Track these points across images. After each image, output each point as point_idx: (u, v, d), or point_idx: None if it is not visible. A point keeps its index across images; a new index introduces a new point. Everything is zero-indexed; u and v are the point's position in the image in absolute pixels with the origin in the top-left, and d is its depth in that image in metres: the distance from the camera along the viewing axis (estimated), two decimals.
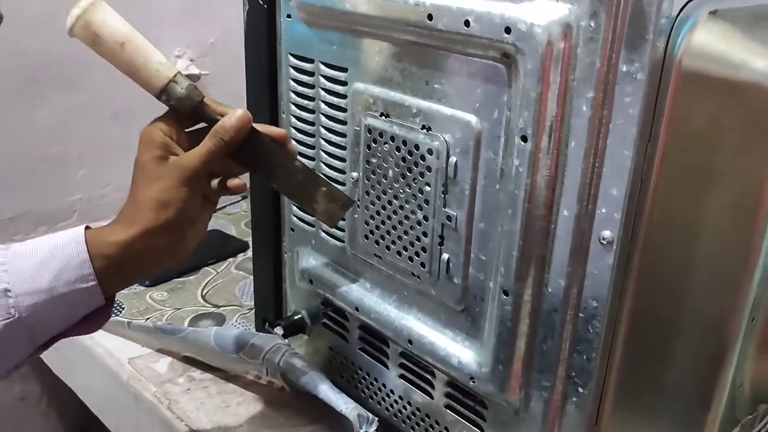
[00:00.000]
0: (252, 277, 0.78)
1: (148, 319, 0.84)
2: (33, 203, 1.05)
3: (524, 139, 0.45)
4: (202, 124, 0.55)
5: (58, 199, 1.07)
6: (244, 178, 0.58)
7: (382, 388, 0.65)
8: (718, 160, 0.43)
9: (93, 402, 0.87)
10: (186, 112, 0.53)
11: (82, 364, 0.84)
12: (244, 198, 1.22)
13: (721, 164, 0.43)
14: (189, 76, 1.15)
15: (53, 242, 0.50)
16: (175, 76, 0.53)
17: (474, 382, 0.54)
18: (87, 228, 0.50)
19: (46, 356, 0.95)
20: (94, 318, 0.52)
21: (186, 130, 0.54)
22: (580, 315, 0.47)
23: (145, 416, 0.74)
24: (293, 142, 0.64)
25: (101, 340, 0.82)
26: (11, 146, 1.01)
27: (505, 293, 0.50)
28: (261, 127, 0.54)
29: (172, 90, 0.53)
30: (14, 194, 1.03)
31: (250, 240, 0.94)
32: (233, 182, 0.56)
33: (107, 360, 0.79)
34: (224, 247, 1.06)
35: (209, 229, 1.12)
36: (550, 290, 0.48)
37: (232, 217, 1.19)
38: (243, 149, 0.53)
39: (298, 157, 0.56)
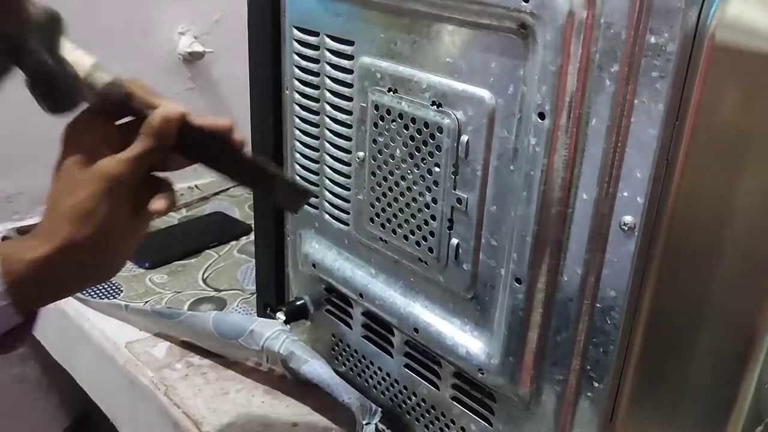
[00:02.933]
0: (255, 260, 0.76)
1: (147, 302, 0.82)
2: (31, 182, 1.02)
3: (542, 116, 0.42)
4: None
5: None
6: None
7: (386, 377, 0.63)
8: (752, 142, 0.40)
9: (90, 386, 0.85)
10: (111, 107, 0.47)
11: (79, 347, 0.82)
12: None
13: (756, 146, 0.40)
14: (192, 54, 1.13)
15: None
16: (93, 65, 0.47)
17: (483, 373, 0.51)
18: (4, 238, 0.45)
19: (44, 338, 0.93)
20: (13, 334, 0.46)
21: (116, 123, 0.48)
22: (598, 305, 0.44)
23: (142, 402, 0.72)
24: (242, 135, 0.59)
25: (98, 323, 0.79)
26: (9, 125, 0.98)
27: (518, 281, 0.47)
28: (200, 120, 0.47)
29: (91, 81, 0.46)
30: (13, 173, 1.01)
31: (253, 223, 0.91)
32: (155, 205, 0.47)
33: (104, 344, 0.77)
34: (227, 230, 1.03)
35: (212, 211, 1.11)
36: (565, 278, 0.45)
37: (236, 199, 1.17)
38: (182, 144, 0.47)
39: (247, 150, 0.50)
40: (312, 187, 0.63)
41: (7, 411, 1.10)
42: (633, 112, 0.39)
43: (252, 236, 1.03)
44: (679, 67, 0.38)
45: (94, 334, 0.79)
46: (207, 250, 0.97)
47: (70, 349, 0.86)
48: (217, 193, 1.18)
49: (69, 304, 0.83)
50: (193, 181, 1.21)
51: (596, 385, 0.46)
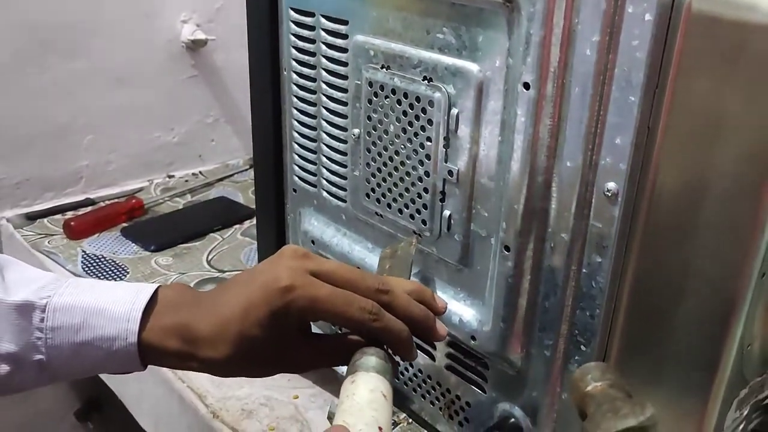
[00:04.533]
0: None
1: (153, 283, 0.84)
2: (40, 169, 1.05)
3: (527, 86, 0.44)
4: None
5: (65, 166, 1.07)
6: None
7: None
8: (730, 109, 0.41)
9: None
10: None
11: None
12: (252, 167, 1.21)
13: (733, 113, 0.41)
14: (195, 42, 1.15)
15: (108, 316, 0.43)
16: None
17: (475, 340, 0.53)
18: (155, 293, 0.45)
19: None
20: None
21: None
22: (584, 271, 0.45)
23: (148, 378, 0.74)
24: None
25: None
26: (18, 113, 1.00)
27: (507, 249, 0.48)
28: None
29: None
30: (22, 160, 1.03)
31: None
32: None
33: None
34: (231, 214, 1.05)
35: (216, 196, 1.13)
36: (552, 245, 0.46)
37: (240, 184, 1.19)
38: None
39: None
40: (310, 166, 0.65)
41: (18, 395, 1.12)
42: (614, 81, 0.41)
43: (254, 220, 1.05)
44: (658, 37, 0.39)
45: None
46: (211, 234, 0.99)
47: None
48: (220, 179, 1.20)
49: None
50: (197, 167, 1.23)
51: (584, 349, 0.47)
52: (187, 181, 1.18)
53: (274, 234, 0.73)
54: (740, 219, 0.42)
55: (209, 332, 0.43)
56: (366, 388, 0.41)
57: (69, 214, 1.02)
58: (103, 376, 0.87)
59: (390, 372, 0.43)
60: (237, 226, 1.03)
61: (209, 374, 0.45)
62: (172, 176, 1.19)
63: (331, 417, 0.61)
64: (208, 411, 0.66)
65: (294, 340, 0.45)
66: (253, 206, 1.06)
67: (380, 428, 0.38)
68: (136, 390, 0.79)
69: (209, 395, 0.67)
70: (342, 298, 0.43)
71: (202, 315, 0.44)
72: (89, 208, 1.05)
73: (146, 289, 0.45)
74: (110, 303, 0.43)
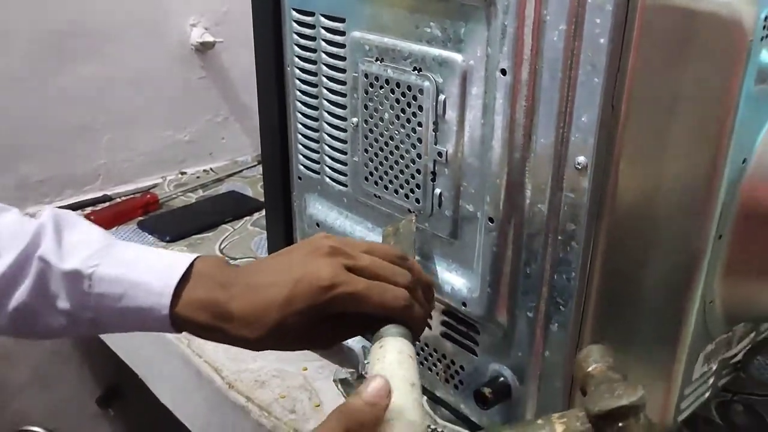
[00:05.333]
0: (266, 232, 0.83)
1: None
2: (61, 168, 1.11)
3: (504, 72, 0.49)
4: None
5: (84, 164, 1.13)
6: None
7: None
8: (684, 88, 0.45)
9: (121, 348, 0.93)
10: None
11: None
12: (259, 163, 1.27)
13: (686, 91, 0.45)
14: (204, 44, 1.20)
15: (147, 281, 0.48)
16: None
17: (466, 306, 0.58)
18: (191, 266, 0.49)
19: None
20: None
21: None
22: (560, 238, 0.50)
23: (168, 356, 0.79)
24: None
25: None
26: (41, 115, 1.06)
27: (491, 221, 0.53)
28: None
29: None
30: (43, 159, 1.09)
31: None
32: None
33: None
34: (241, 207, 1.11)
35: (226, 190, 1.18)
36: (531, 215, 0.51)
37: (249, 179, 1.24)
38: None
39: None
40: (314, 154, 0.71)
41: (43, 382, 1.19)
42: (580, 65, 0.46)
43: (263, 211, 1.10)
44: (617, 24, 0.44)
45: None
46: (223, 225, 1.05)
47: None
48: (230, 175, 1.26)
49: None
50: (208, 164, 1.29)
51: (563, 309, 0.52)
52: (198, 177, 1.24)
53: (282, 219, 0.78)
54: (696, 186, 0.47)
55: (245, 313, 0.48)
56: (394, 351, 0.46)
57: (88, 210, 1.08)
58: (122, 356, 0.93)
59: (411, 339, 0.48)
60: (247, 217, 1.08)
61: (234, 346, 0.50)
62: (185, 173, 1.25)
63: (336, 380, 0.67)
64: (224, 382, 0.71)
65: (324, 324, 0.50)
66: (262, 199, 1.12)
67: (412, 384, 0.43)
68: (155, 367, 0.84)
69: (225, 368, 0.73)
70: (377, 289, 0.48)
71: (238, 295, 0.48)
72: (107, 204, 1.11)
73: (182, 263, 0.49)
74: (147, 277, 0.48)
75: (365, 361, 0.68)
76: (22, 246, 0.49)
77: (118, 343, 0.94)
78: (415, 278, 0.51)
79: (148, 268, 0.49)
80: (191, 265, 0.49)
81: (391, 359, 0.45)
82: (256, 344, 0.48)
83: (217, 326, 0.48)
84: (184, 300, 0.48)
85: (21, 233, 0.49)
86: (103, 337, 0.97)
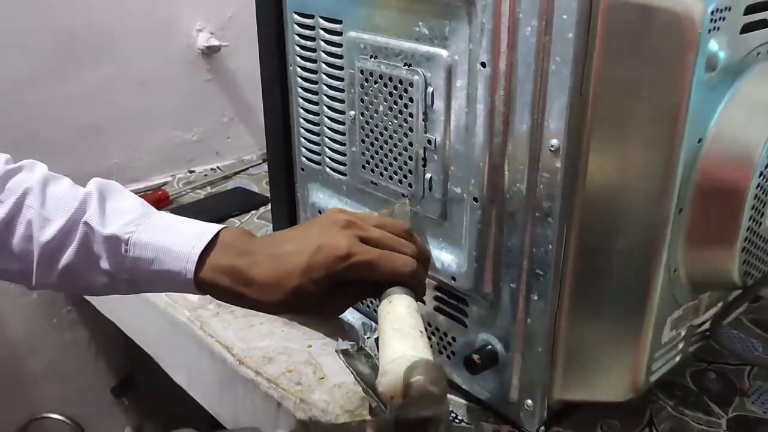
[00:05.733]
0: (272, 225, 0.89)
1: None
2: (75, 166, 1.15)
3: (483, 65, 0.54)
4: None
5: (98, 162, 1.19)
6: None
7: None
8: (643, 75, 0.51)
9: (135, 331, 0.98)
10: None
11: (126, 300, 0.95)
12: (264, 161, 1.32)
13: (646, 78, 0.51)
14: (210, 48, 1.26)
15: (177, 244, 0.54)
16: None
17: (455, 281, 0.63)
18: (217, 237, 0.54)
19: (93, 298, 1.07)
20: None
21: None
22: (537, 214, 0.56)
23: (181, 338, 0.85)
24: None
25: None
26: (55, 114, 1.12)
27: (475, 200, 0.59)
28: None
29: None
30: (60, 159, 1.13)
31: None
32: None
33: (146, 294, 0.90)
34: (247, 201, 1.16)
35: (233, 186, 1.24)
36: (511, 195, 0.57)
37: (254, 177, 1.30)
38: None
39: None
40: (315, 146, 0.76)
41: (60, 372, 1.24)
42: (550, 57, 0.51)
43: (269, 206, 1.16)
44: (582, 19, 0.49)
45: None
46: (230, 218, 1.11)
47: (117, 302, 0.99)
48: (237, 173, 1.31)
49: None
50: (215, 163, 1.35)
51: (542, 279, 0.57)
52: (206, 175, 1.30)
53: (286, 208, 0.84)
54: (657, 165, 0.52)
55: (266, 279, 0.53)
56: (403, 305, 0.52)
57: None
58: (137, 340, 0.98)
59: (415, 299, 0.54)
60: (253, 211, 1.14)
61: (253, 310, 0.55)
62: (193, 171, 1.31)
63: (337, 351, 0.72)
64: (235, 359, 0.77)
65: (335, 291, 0.55)
66: (267, 195, 1.18)
67: (421, 331, 0.49)
68: (169, 349, 0.90)
69: (235, 347, 0.78)
70: (388, 257, 0.53)
71: (259, 262, 0.53)
72: None
73: (209, 232, 0.55)
74: (176, 244, 0.54)
75: (365, 336, 0.74)
76: (71, 212, 0.55)
77: (135, 328, 0.99)
78: (418, 249, 0.56)
79: (178, 236, 0.54)
80: (216, 235, 0.55)
81: (402, 311, 0.51)
82: (273, 307, 0.54)
83: (238, 290, 0.53)
84: (208, 266, 0.53)
85: (70, 201, 0.56)
86: (119, 321, 1.02)
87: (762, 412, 0.68)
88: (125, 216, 0.55)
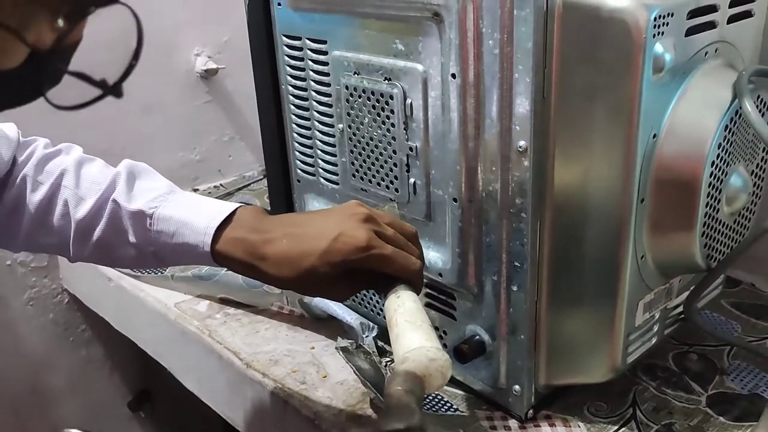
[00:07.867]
0: None
1: (189, 271, 1.00)
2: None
3: (453, 76, 0.59)
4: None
5: None
6: None
7: (379, 302, 0.80)
8: (599, 77, 0.55)
9: (148, 343, 1.03)
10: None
11: (138, 313, 1.00)
12: (265, 176, 1.38)
13: (601, 80, 0.55)
14: (208, 71, 1.31)
15: (199, 220, 0.58)
16: None
17: (442, 276, 0.68)
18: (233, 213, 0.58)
19: (107, 314, 1.12)
20: None
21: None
22: (511, 211, 0.61)
23: (191, 346, 0.89)
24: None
25: (151, 292, 0.97)
26: (66, 139, 1.17)
27: (455, 201, 0.64)
28: None
29: None
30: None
31: None
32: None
33: (157, 306, 0.95)
34: None
35: (236, 202, 1.28)
36: (486, 194, 0.62)
37: (256, 192, 1.35)
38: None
39: None
40: (309, 159, 0.81)
41: (77, 388, 1.29)
42: (513, 66, 0.56)
43: None
44: (539, 30, 0.54)
45: (149, 300, 0.97)
46: None
47: (131, 317, 1.04)
48: (239, 189, 1.37)
49: (126, 281, 1.01)
50: (218, 180, 1.40)
51: (519, 271, 0.62)
52: (210, 192, 1.35)
53: None
54: (618, 159, 0.57)
55: (281, 256, 0.56)
56: (410, 299, 0.56)
57: None
58: (149, 351, 1.03)
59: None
60: None
61: (265, 283, 0.60)
62: (197, 189, 1.36)
63: (337, 348, 0.77)
64: (242, 363, 0.81)
65: (343, 277, 0.58)
66: (268, 208, 1.23)
67: (430, 325, 0.54)
68: (180, 357, 0.94)
69: (242, 352, 0.83)
70: (402, 255, 0.58)
71: (276, 239, 0.57)
72: None
73: (226, 209, 0.58)
74: (195, 219, 0.58)
75: (364, 335, 0.78)
76: (102, 191, 0.61)
77: (147, 340, 1.04)
78: (420, 251, 0.61)
79: (198, 211, 0.59)
80: (234, 212, 0.59)
81: (410, 306, 0.56)
82: (283, 282, 0.58)
83: (251, 263, 0.57)
84: (223, 239, 0.58)
85: (101, 181, 0.62)
86: (132, 334, 1.07)
87: (740, 389, 0.72)
88: (151, 193, 0.61)
